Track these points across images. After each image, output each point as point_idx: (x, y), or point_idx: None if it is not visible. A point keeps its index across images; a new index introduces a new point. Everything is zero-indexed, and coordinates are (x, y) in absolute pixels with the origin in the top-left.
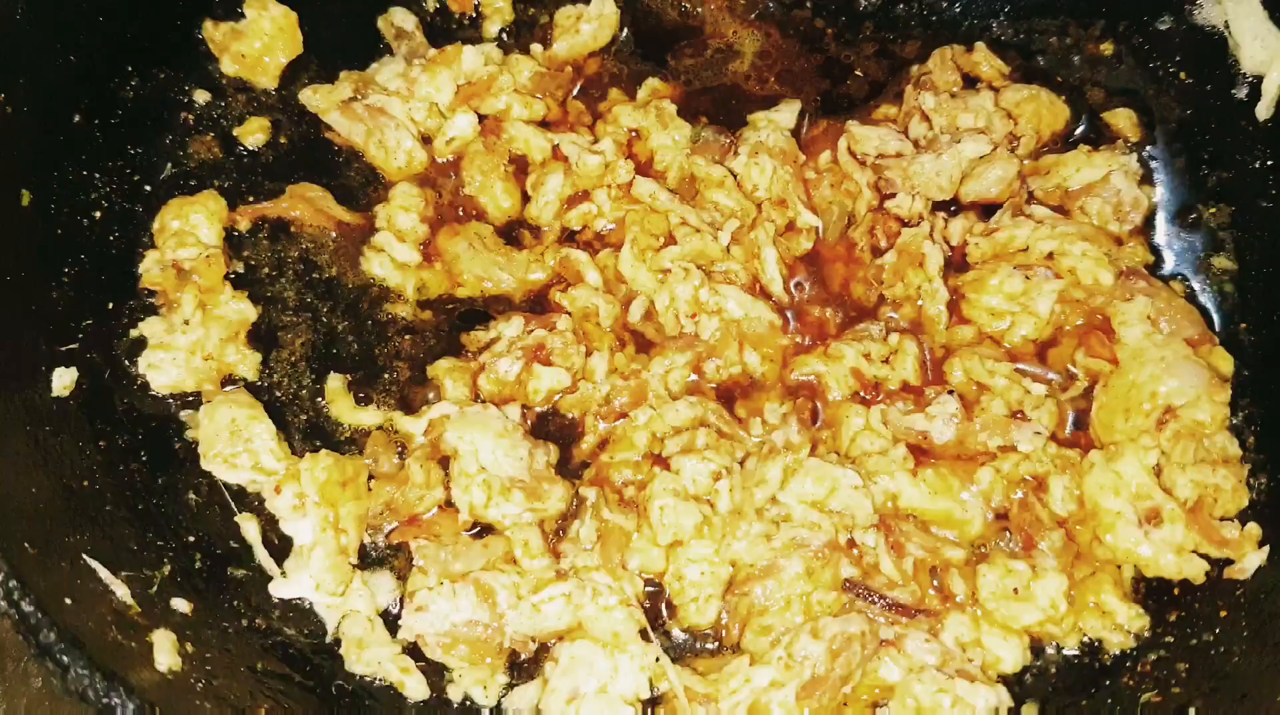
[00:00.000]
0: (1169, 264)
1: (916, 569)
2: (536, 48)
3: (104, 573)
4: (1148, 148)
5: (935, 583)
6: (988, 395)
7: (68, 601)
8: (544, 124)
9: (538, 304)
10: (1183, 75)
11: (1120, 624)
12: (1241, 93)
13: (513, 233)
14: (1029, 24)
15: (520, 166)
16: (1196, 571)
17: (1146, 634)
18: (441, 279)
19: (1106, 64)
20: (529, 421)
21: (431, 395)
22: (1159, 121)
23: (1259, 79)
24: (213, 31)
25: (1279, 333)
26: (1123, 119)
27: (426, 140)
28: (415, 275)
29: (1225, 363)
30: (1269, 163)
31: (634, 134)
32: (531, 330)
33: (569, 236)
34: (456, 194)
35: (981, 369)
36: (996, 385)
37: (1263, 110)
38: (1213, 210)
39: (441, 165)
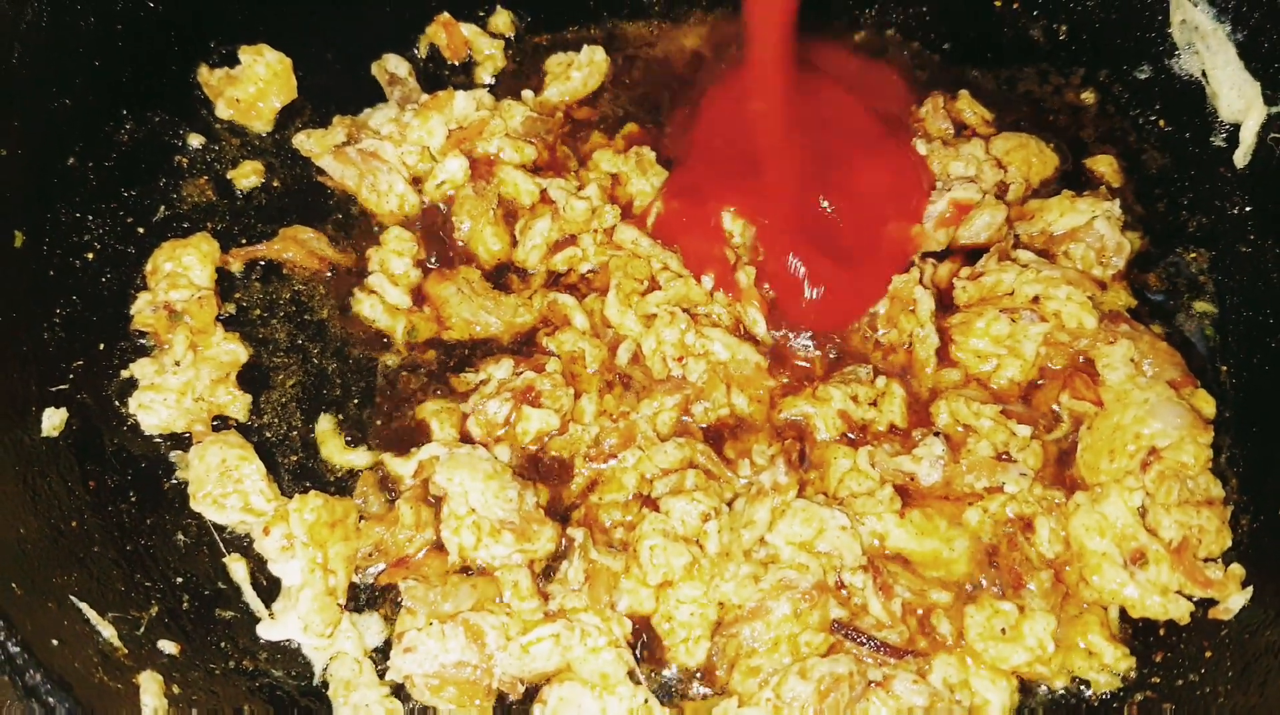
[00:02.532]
0: (1151, 307)
1: (905, 610)
2: (528, 93)
3: (91, 614)
4: (1129, 193)
5: (919, 620)
6: (974, 437)
7: (54, 643)
8: (534, 168)
9: (525, 347)
10: (1162, 123)
11: (1107, 664)
12: (1219, 140)
13: (501, 276)
14: (1011, 72)
15: (509, 210)
16: (1182, 612)
17: (1133, 675)
18: (430, 322)
19: (1088, 111)
20: (519, 462)
21: (421, 437)
22: (1140, 167)
23: (1236, 127)
24: (208, 76)
25: (1260, 375)
26: (1104, 165)
27: (418, 183)
28: (405, 318)
29: (1208, 405)
30: (1247, 208)
31: (614, 178)
32: (520, 372)
33: (554, 279)
34: (446, 237)
35: (967, 411)
36: (982, 427)
37: (1240, 157)
38: (1193, 255)
39: (432, 208)
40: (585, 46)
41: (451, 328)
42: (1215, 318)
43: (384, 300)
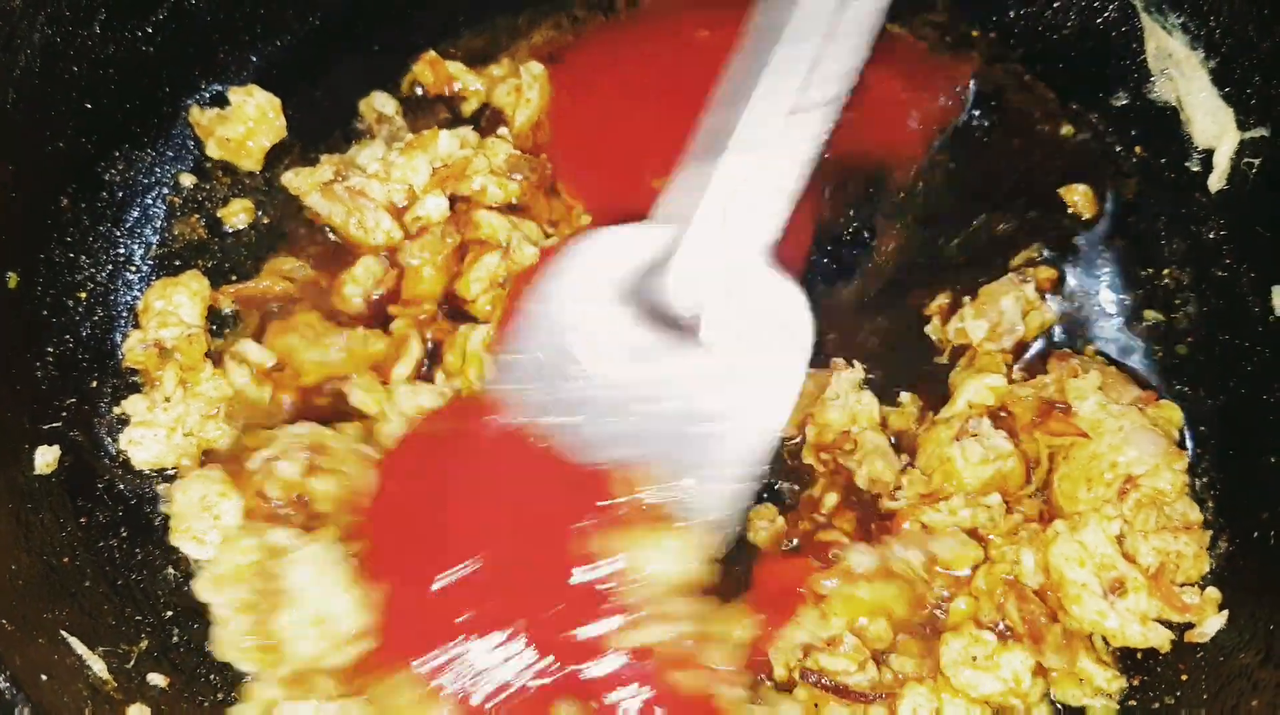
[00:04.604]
0: (1130, 331)
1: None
2: (504, 130)
3: (81, 648)
4: (1105, 219)
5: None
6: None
7: (44, 678)
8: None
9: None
10: (1138, 149)
11: (1100, 687)
12: (1194, 165)
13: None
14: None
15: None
16: (1162, 640)
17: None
18: (290, 377)
19: (1064, 139)
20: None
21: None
22: (1117, 193)
23: (1210, 152)
24: (199, 117)
25: (1236, 398)
26: (1078, 194)
27: (402, 214)
28: (269, 383)
29: (1174, 414)
30: (1222, 232)
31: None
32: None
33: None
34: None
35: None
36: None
37: (1214, 182)
38: (1169, 278)
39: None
40: (521, 67)
41: (306, 373)
42: (1193, 342)
43: (250, 368)
